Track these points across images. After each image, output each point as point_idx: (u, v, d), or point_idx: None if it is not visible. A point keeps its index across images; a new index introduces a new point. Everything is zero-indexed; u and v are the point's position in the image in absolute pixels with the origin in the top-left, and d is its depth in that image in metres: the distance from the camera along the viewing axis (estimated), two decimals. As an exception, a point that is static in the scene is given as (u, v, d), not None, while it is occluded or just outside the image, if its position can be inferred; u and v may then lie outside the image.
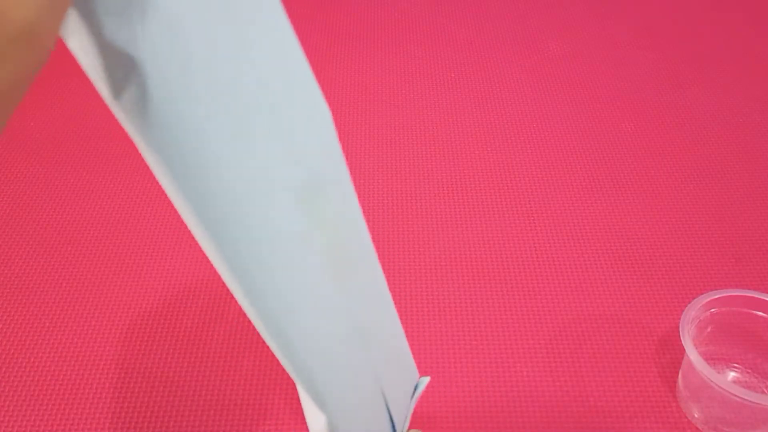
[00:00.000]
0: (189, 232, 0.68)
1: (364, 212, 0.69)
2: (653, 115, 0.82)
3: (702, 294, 0.51)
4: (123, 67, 0.24)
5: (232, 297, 0.41)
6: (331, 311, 0.35)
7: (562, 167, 0.75)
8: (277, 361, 0.57)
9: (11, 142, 0.80)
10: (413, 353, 0.57)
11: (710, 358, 0.53)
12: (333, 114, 0.83)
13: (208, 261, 0.65)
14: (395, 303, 0.61)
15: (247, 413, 0.53)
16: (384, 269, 0.64)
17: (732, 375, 0.54)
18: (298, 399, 0.54)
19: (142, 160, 0.77)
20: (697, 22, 0.98)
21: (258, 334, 0.58)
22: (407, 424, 0.47)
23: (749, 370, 0.54)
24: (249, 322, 0.59)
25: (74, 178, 0.75)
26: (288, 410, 0.53)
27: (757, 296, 0.51)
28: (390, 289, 0.62)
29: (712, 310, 0.52)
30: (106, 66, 0.25)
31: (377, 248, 0.66)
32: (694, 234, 0.67)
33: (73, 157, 0.78)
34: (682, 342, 0.47)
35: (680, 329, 0.48)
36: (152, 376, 0.56)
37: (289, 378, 0.56)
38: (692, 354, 0.47)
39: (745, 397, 0.45)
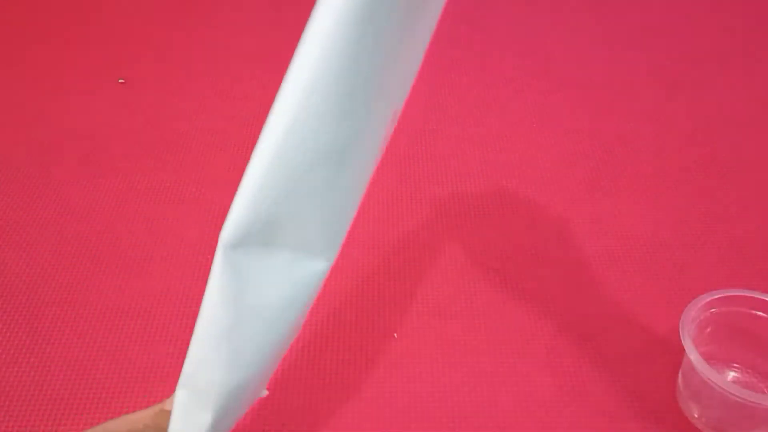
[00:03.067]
0: (189, 232, 0.68)
1: (362, 213, 0.69)
2: (653, 115, 0.82)
3: (702, 294, 0.51)
4: None
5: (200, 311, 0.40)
6: None
7: (562, 167, 0.75)
8: (279, 362, 0.57)
9: (12, 141, 0.80)
10: (413, 355, 0.57)
11: (710, 358, 0.53)
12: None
13: (208, 261, 0.65)
14: (397, 303, 0.61)
15: (247, 413, 0.53)
16: (383, 270, 0.64)
17: (732, 375, 0.54)
18: (302, 396, 0.54)
19: (143, 160, 0.77)
20: (697, 22, 0.98)
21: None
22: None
23: (749, 370, 0.54)
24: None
25: (74, 178, 0.75)
26: (290, 410, 0.53)
27: (757, 296, 0.51)
28: (390, 289, 0.62)
29: (712, 310, 0.52)
30: None
31: (376, 249, 0.66)
32: (694, 234, 0.67)
33: (74, 156, 0.77)
34: (682, 342, 0.47)
35: (680, 329, 0.48)
36: (151, 376, 0.56)
37: (294, 379, 0.56)
38: (692, 354, 0.47)
39: (745, 397, 0.45)
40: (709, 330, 0.53)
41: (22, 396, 0.55)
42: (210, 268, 0.40)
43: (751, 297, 0.52)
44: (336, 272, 0.64)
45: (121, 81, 0.89)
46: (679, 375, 0.53)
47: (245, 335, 0.38)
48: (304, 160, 0.37)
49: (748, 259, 0.64)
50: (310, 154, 0.37)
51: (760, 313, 0.52)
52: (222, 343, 0.37)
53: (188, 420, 0.38)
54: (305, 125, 0.36)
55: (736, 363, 0.54)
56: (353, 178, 0.40)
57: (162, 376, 0.56)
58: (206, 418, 0.38)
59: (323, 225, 0.39)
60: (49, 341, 0.59)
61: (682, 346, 0.47)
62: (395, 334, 0.58)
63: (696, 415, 0.51)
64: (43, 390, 0.55)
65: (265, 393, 0.46)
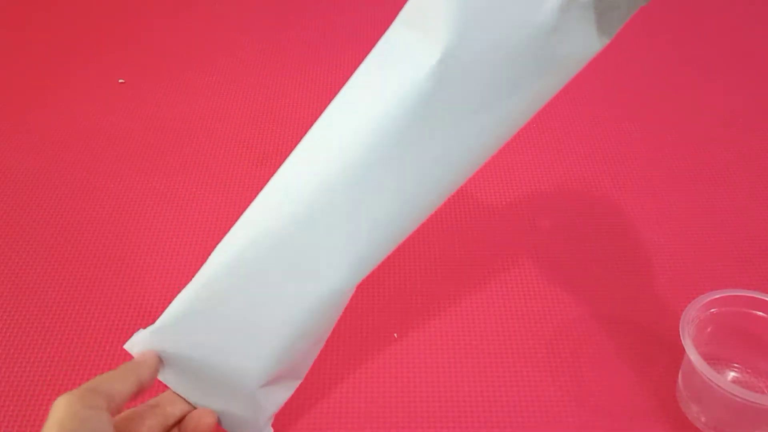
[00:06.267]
0: (189, 232, 0.68)
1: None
2: (653, 115, 0.82)
3: (702, 294, 0.51)
4: None
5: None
6: None
7: (561, 167, 0.75)
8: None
9: (11, 141, 0.80)
10: (413, 355, 0.57)
11: (710, 358, 0.53)
12: (333, 114, 0.83)
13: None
14: (397, 303, 0.61)
15: (247, 413, 0.53)
16: (383, 269, 0.64)
17: (732, 375, 0.54)
18: (301, 396, 0.54)
19: (143, 160, 0.77)
20: (698, 22, 0.98)
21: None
22: None
23: (749, 370, 0.54)
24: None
25: (74, 178, 0.75)
26: (289, 410, 0.53)
27: (757, 296, 0.51)
28: (389, 289, 0.62)
29: (712, 310, 0.52)
30: None
31: (377, 248, 0.66)
32: (694, 234, 0.67)
33: (73, 157, 0.78)
34: (682, 342, 0.47)
35: (680, 329, 0.48)
36: (152, 376, 0.56)
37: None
38: (692, 354, 0.47)
39: (746, 398, 0.45)
40: (709, 330, 0.53)
41: (22, 396, 0.55)
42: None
43: (751, 297, 0.52)
44: (336, 272, 0.64)
45: (121, 81, 0.89)
46: (679, 375, 0.53)
47: None
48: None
49: (748, 259, 0.64)
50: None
51: (760, 313, 0.52)
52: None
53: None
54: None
55: (736, 363, 0.54)
56: None
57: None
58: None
59: None
60: (50, 341, 0.59)
61: (682, 346, 0.47)
62: (395, 334, 0.59)
63: (696, 415, 0.51)
64: (43, 390, 0.55)
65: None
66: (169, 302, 0.62)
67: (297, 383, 0.46)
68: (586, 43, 0.40)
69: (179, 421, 0.43)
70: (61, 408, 0.35)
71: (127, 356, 0.57)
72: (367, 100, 0.40)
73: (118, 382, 0.38)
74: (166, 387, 0.45)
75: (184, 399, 0.44)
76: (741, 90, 0.85)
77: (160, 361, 0.44)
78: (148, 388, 0.42)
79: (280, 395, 0.46)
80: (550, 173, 0.74)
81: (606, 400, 0.54)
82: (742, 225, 0.67)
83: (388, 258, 0.65)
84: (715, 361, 0.54)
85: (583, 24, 0.39)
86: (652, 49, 0.92)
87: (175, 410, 0.43)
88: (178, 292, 0.63)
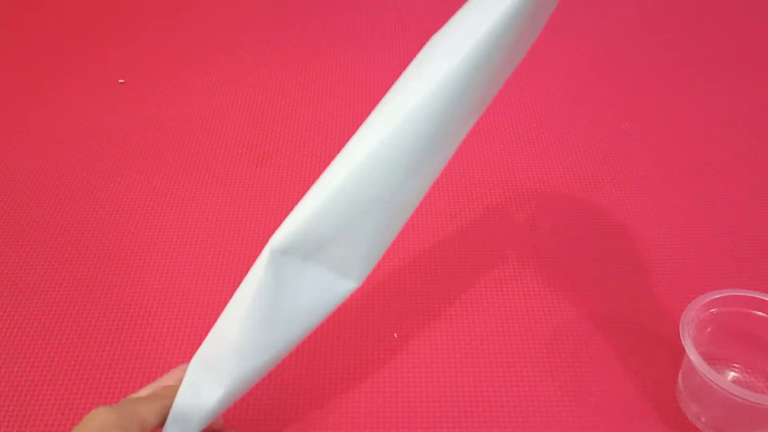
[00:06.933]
0: (189, 232, 0.68)
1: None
2: (653, 115, 0.82)
3: (702, 294, 0.51)
4: None
5: (232, 297, 0.42)
6: None
7: (561, 167, 0.75)
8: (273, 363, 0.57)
9: (11, 141, 0.80)
10: (413, 355, 0.57)
11: (710, 358, 0.53)
12: (331, 116, 0.83)
13: (208, 261, 0.65)
14: (397, 303, 0.61)
15: (247, 413, 0.53)
16: (384, 269, 0.64)
17: (732, 375, 0.54)
18: (301, 396, 0.54)
19: (143, 160, 0.77)
20: (698, 22, 0.98)
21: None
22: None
23: (749, 370, 0.54)
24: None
25: (74, 178, 0.75)
26: (289, 410, 0.54)
27: (757, 296, 0.51)
28: (390, 289, 0.62)
29: (712, 310, 0.52)
30: None
31: (377, 248, 0.66)
32: (693, 234, 0.67)
33: (73, 157, 0.78)
34: (682, 342, 0.47)
35: (680, 329, 0.48)
36: (151, 376, 0.56)
37: (293, 378, 0.56)
38: (692, 354, 0.47)
39: (746, 398, 0.45)
40: (709, 330, 0.53)
41: (22, 396, 0.55)
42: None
43: (751, 297, 0.52)
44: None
45: (121, 81, 0.89)
46: (679, 375, 0.53)
47: (270, 331, 0.42)
48: (363, 202, 0.41)
49: (748, 259, 0.64)
50: (370, 200, 0.41)
51: (760, 313, 0.52)
52: (249, 333, 0.41)
53: (199, 391, 0.41)
54: (374, 174, 0.41)
55: (736, 363, 0.54)
56: (398, 222, 0.45)
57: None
58: (218, 392, 0.41)
59: (362, 254, 0.43)
60: (50, 341, 0.59)
61: (682, 346, 0.47)
62: (395, 334, 0.59)
63: (696, 415, 0.51)
64: (43, 390, 0.55)
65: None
66: (169, 302, 0.62)
67: (218, 390, 0.41)
68: None
69: None
70: (98, 419, 0.37)
71: (129, 358, 0.57)
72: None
73: (151, 412, 0.40)
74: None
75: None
76: (741, 90, 0.85)
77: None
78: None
79: (203, 395, 0.42)
80: (550, 173, 0.74)
81: (606, 400, 0.54)
82: (742, 225, 0.67)
83: (389, 259, 0.65)
84: (715, 361, 0.54)
85: None
86: (652, 48, 0.92)
87: None
88: (178, 291, 0.63)
